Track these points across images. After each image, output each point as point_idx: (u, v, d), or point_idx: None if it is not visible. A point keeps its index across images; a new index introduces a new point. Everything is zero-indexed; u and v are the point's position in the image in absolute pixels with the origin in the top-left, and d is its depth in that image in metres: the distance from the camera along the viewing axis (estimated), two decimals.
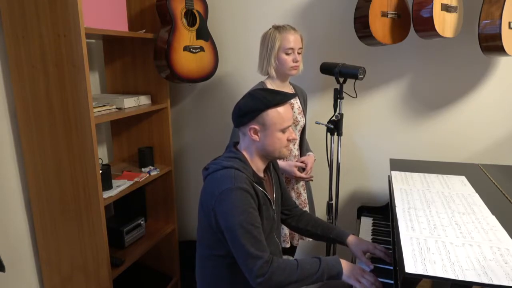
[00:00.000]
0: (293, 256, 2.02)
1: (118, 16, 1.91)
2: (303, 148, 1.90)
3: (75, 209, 1.68)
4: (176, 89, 2.44)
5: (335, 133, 1.64)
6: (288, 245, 1.83)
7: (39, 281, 1.86)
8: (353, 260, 1.52)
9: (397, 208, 1.30)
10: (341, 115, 1.62)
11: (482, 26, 1.63)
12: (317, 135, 2.02)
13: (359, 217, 1.91)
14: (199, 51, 2.00)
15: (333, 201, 1.72)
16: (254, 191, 1.23)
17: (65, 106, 1.57)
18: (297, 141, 1.84)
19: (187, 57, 1.95)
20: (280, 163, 1.74)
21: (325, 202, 1.76)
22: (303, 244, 2.09)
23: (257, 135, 1.27)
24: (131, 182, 1.92)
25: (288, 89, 1.82)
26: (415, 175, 1.64)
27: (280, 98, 1.26)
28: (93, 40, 2.16)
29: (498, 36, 1.59)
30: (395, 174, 1.64)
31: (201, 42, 2.01)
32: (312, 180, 1.84)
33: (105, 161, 2.29)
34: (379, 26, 1.72)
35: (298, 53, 1.71)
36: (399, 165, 1.77)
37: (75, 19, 1.46)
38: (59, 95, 1.57)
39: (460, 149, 2.00)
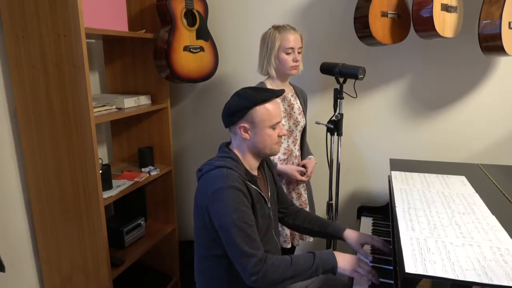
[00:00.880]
0: None
1: (118, 16, 1.91)
2: (304, 149, 1.90)
3: (75, 209, 1.68)
4: (176, 89, 2.44)
5: (335, 133, 1.64)
6: (289, 246, 1.83)
7: (39, 281, 1.86)
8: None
9: (397, 208, 1.30)
10: (341, 115, 1.62)
11: (482, 26, 1.63)
12: (317, 135, 2.02)
13: (359, 217, 1.91)
14: (199, 51, 2.00)
15: (333, 201, 1.72)
16: (247, 190, 1.24)
17: (65, 106, 1.57)
18: (298, 142, 1.84)
19: (187, 57, 1.95)
20: (282, 166, 1.75)
21: (325, 202, 1.76)
22: (304, 244, 2.08)
23: (247, 133, 1.29)
24: (131, 182, 1.92)
25: (288, 89, 1.82)
26: (415, 175, 1.64)
27: (267, 95, 1.27)
28: (93, 40, 2.16)
29: (498, 36, 1.59)
30: (395, 174, 1.64)
31: (201, 42, 2.01)
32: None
33: (105, 161, 2.29)
34: (379, 26, 1.72)
35: (298, 53, 1.71)
36: (399, 165, 1.77)
37: (75, 19, 1.46)
38: (59, 95, 1.57)
39: (460, 149, 2.00)
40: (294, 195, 1.84)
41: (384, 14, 1.72)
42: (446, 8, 1.64)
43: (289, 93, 1.82)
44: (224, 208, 1.19)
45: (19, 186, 1.75)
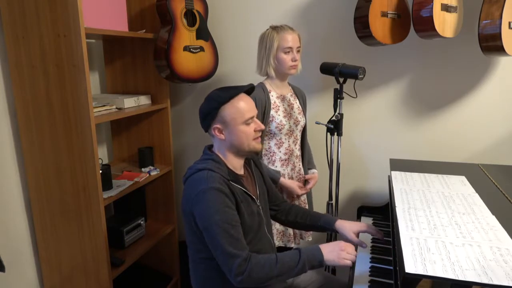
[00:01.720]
0: None
1: (118, 16, 1.91)
2: (305, 152, 1.89)
3: (75, 209, 1.68)
4: (176, 89, 2.44)
5: (335, 133, 1.64)
6: (293, 245, 1.83)
7: (39, 281, 1.86)
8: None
9: (397, 208, 1.30)
10: (341, 115, 1.62)
11: (482, 26, 1.63)
12: (317, 135, 2.02)
13: (359, 217, 1.91)
14: (199, 51, 2.00)
15: (333, 201, 1.73)
16: (229, 190, 1.24)
17: (65, 106, 1.57)
18: (299, 141, 1.84)
19: (187, 57, 1.95)
20: (285, 181, 1.75)
21: (325, 202, 1.76)
22: (303, 243, 2.08)
23: (222, 134, 1.30)
24: (131, 182, 1.92)
25: (287, 89, 1.83)
26: (415, 175, 1.64)
27: (233, 92, 1.29)
28: (93, 40, 2.16)
29: (498, 36, 1.59)
30: (395, 174, 1.64)
31: (201, 42, 2.01)
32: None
33: (105, 161, 2.29)
34: (379, 26, 1.72)
35: (297, 51, 1.72)
36: (399, 165, 1.77)
37: (75, 19, 1.46)
38: (59, 95, 1.57)
39: (460, 149, 2.00)
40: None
41: (384, 14, 1.72)
42: (446, 8, 1.64)
43: (288, 93, 1.82)
44: (206, 210, 1.20)
45: (19, 186, 1.75)
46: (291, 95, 1.82)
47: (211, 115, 1.29)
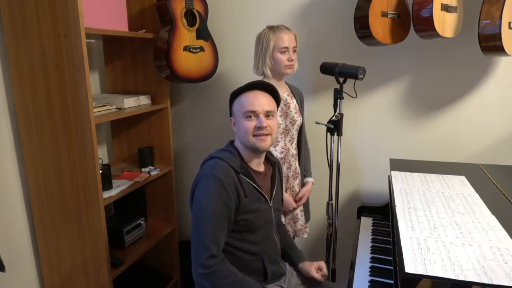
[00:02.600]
0: None
1: (118, 16, 1.91)
2: (301, 148, 1.89)
3: (75, 209, 1.68)
4: (176, 89, 2.44)
5: (335, 133, 1.64)
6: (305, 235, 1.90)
7: (39, 281, 1.86)
8: (354, 246, 1.56)
9: (397, 208, 1.30)
10: (341, 115, 1.62)
11: (482, 26, 1.63)
12: (317, 135, 2.02)
13: (359, 217, 1.91)
14: (199, 51, 2.00)
15: (333, 201, 1.72)
16: (234, 182, 1.27)
17: (65, 106, 1.57)
18: (295, 140, 1.84)
19: (187, 57, 1.95)
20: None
21: (325, 202, 1.76)
22: (299, 240, 2.08)
23: (234, 127, 1.37)
24: (131, 182, 1.92)
25: (284, 89, 1.83)
26: (415, 175, 1.64)
27: (244, 87, 1.35)
28: (93, 40, 2.16)
29: (498, 36, 1.59)
30: (395, 174, 1.64)
31: (201, 42, 2.01)
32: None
33: (105, 161, 2.29)
34: (379, 26, 1.72)
35: (294, 51, 1.73)
36: (399, 165, 1.77)
37: (75, 19, 1.46)
38: (59, 95, 1.57)
39: (460, 149, 2.00)
40: (288, 192, 1.84)
41: (384, 14, 1.72)
42: (446, 8, 1.64)
43: (285, 92, 1.82)
44: (201, 194, 1.25)
45: (19, 186, 1.75)
46: (288, 95, 1.82)
47: (230, 109, 1.39)
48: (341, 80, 1.62)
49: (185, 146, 2.53)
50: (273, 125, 1.34)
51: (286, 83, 1.87)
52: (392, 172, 1.67)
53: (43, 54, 1.55)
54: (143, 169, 2.10)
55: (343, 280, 2.03)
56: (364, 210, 1.93)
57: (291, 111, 1.79)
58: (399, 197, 1.40)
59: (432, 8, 1.60)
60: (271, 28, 1.74)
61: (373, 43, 1.81)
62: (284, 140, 1.80)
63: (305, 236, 1.91)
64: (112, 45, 2.18)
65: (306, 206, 1.94)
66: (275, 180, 1.45)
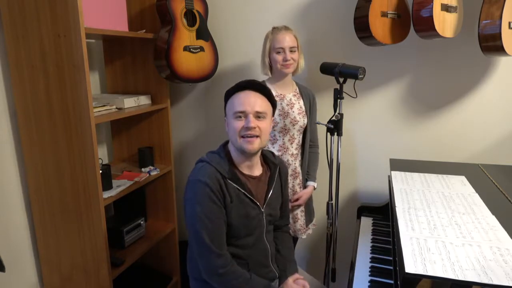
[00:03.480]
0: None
1: (118, 16, 1.91)
2: (305, 150, 1.88)
3: (75, 209, 1.68)
4: (176, 89, 2.44)
5: (335, 133, 1.64)
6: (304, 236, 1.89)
7: (39, 281, 1.86)
8: (354, 246, 1.54)
9: (397, 208, 1.30)
10: (341, 115, 1.62)
11: (482, 26, 1.63)
12: (317, 135, 2.02)
13: (359, 217, 1.91)
14: (199, 51, 2.00)
15: (333, 201, 1.72)
16: (219, 187, 1.24)
17: (65, 106, 1.57)
18: (296, 141, 1.84)
19: (187, 57, 1.95)
20: None
21: (325, 202, 1.76)
22: (299, 240, 2.07)
23: (227, 127, 1.34)
24: (131, 182, 1.92)
25: (290, 89, 1.83)
26: (415, 175, 1.64)
27: (237, 86, 1.32)
28: (93, 40, 2.16)
29: (498, 36, 1.59)
30: (395, 174, 1.64)
31: (201, 42, 2.01)
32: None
33: (105, 161, 2.29)
34: (379, 26, 1.72)
35: (292, 51, 1.74)
36: (399, 165, 1.77)
37: (75, 19, 1.46)
38: (59, 95, 1.57)
39: (460, 149, 1.99)
40: (289, 191, 1.84)
41: (384, 14, 1.72)
42: (446, 8, 1.64)
43: (291, 93, 1.82)
44: (189, 199, 1.25)
45: (19, 186, 1.75)
46: (294, 95, 1.83)
47: (224, 107, 1.35)
48: (341, 80, 1.62)
49: (185, 146, 2.52)
50: (264, 127, 1.28)
51: (297, 84, 1.88)
52: (392, 172, 1.67)
53: (43, 54, 1.55)
54: (143, 169, 2.10)
55: (343, 280, 2.03)
56: (364, 210, 1.93)
57: (293, 112, 1.79)
58: (399, 197, 1.40)
59: (432, 8, 1.60)
60: (273, 29, 1.78)
61: (373, 43, 1.81)
62: (283, 139, 1.81)
63: (304, 237, 1.91)
64: (112, 45, 2.18)
65: (308, 208, 1.93)
66: (272, 184, 1.41)
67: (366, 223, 1.83)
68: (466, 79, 1.92)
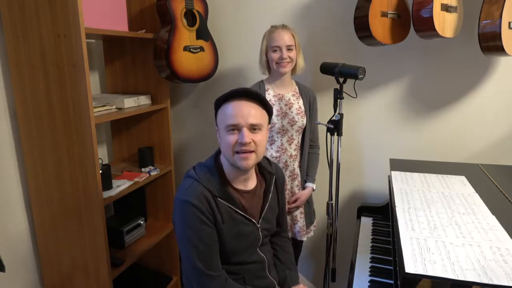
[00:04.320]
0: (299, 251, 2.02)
1: (118, 16, 1.91)
2: (304, 151, 1.87)
3: (75, 209, 1.68)
4: (176, 89, 2.44)
5: (335, 133, 1.64)
6: (304, 238, 1.88)
7: (39, 281, 1.86)
8: (354, 246, 1.53)
9: (397, 208, 1.30)
10: (341, 115, 1.62)
11: (482, 26, 1.63)
12: (318, 135, 2.02)
13: (359, 217, 1.91)
14: (199, 51, 2.00)
15: (333, 201, 1.72)
16: (209, 207, 1.16)
17: (65, 106, 1.57)
18: (295, 141, 1.84)
19: (187, 57, 1.95)
20: None
21: (325, 202, 1.76)
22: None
23: (219, 139, 1.24)
24: (131, 182, 1.92)
25: (290, 89, 1.83)
26: (415, 175, 1.64)
27: (227, 94, 1.20)
28: (93, 40, 2.16)
29: (498, 36, 1.59)
30: (395, 174, 1.64)
31: (201, 42, 2.01)
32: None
33: (105, 161, 2.29)
34: (379, 26, 1.72)
35: (289, 50, 1.73)
36: (399, 165, 1.77)
37: (75, 19, 1.46)
38: (59, 95, 1.57)
39: (460, 149, 1.99)
40: (288, 193, 1.84)
41: (384, 14, 1.72)
42: (446, 8, 1.64)
43: (290, 92, 1.82)
44: (180, 222, 1.18)
45: (19, 186, 1.75)
46: (293, 95, 1.82)
47: (215, 116, 1.24)
48: (341, 80, 1.62)
49: (185, 146, 2.52)
50: (259, 140, 1.18)
51: (297, 83, 1.88)
52: (392, 172, 1.67)
53: (43, 54, 1.55)
54: (143, 169, 2.10)
55: (343, 280, 2.03)
56: (364, 210, 1.93)
57: (292, 112, 1.79)
58: (399, 197, 1.40)
59: (432, 8, 1.60)
60: (270, 28, 1.78)
61: (373, 43, 1.81)
62: (281, 140, 1.80)
63: (304, 239, 1.90)
64: (112, 45, 2.18)
65: (308, 210, 1.91)
66: (268, 196, 1.33)
67: (366, 223, 1.83)
68: (466, 79, 1.92)
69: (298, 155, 1.87)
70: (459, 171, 1.69)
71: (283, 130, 1.79)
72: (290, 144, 1.82)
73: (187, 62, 1.95)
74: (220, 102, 1.21)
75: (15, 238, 1.74)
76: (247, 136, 1.15)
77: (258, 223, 1.29)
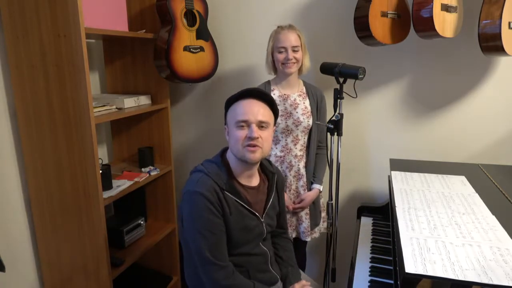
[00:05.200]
0: (303, 250, 2.02)
1: (118, 16, 1.91)
2: (310, 152, 1.86)
3: (75, 209, 1.68)
4: (176, 89, 2.44)
5: (335, 133, 1.64)
6: (308, 239, 1.89)
7: (39, 281, 1.86)
8: (354, 246, 1.54)
9: (397, 208, 1.30)
10: (341, 115, 1.62)
11: (482, 26, 1.63)
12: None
13: (359, 217, 1.91)
14: (199, 51, 2.00)
15: (333, 201, 1.72)
16: (218, 199, 1.22)
17: (65, 106, 1.57)
18: (300, 142, 1.84)
19: (187, 57, 1.95)
20: None
21: (325, 202, 1.76)
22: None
23: (227, 136, 1.31)
24: (131, 182, 1.92)
25: (296, 89, 1.83)
26: (415, 175, 1.64)
27: (239, 94, 1.29)
28: (93, 40, 2.16)
29: (498, 36, 1.59)
30: (395, 174, 1.64)
31: (201, 42, 2.01)
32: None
33: (105, 161, 2.29)
34: (379, 26, 1.72)
35: (295, 51, 1.73)
36: (399, 165, 1.77)
37: (75, 19, 1.46)
38: (59, 95, 1.57)
39: (460, 149, 1.99)
40: (287, 192, 1.84)
41: (384, 14, 1.72)
42: (446, 8, 1.64)
43: (296, 92, 1.82)
44: (190, 213, 1.22)
45: (19, 186, 1.75)
46: (299, 95, 1.82)
47: (225, 116, 1.32)
48: (341, 80, 1.62)
49: (185, 146, 2.52)
50: (266, 137, 1.27)
51: (305, 83, 1.88)
52: (392, 172, 1.67)
53: (43, 54, 1.55)
54: (143, 169, 2.10)
55: (343, 280, 2.03)
56: (364, 210, 1.93)
57: (297, 112, 1.79)
58: (399, 197, 1.40)
59: (432, 8, 1.60)
60: (277, 28, 1.79)
61: (373, 43, 1.81)
62: (286, 140, 1.80)
63: (309, 239, 1.90)
64: (112, 45, 2.18)
65: (314, 211, 1.90)
66: (271, 193, 1.40)
67: (366, 223, 1.83)
68: (466, 79, 1.92)
69: (304, 155, 1.86)
70: (459, 171, 1.69)
71: (288, 130, 1.79)
72: (295, 145, 1.82)
73: (187, 62, 1.95)
74: (232, 101, 1.30)
75: (15, 238, 1.74)
76: (256, 131, 1.24)
77: (262, 218, 1.35)
